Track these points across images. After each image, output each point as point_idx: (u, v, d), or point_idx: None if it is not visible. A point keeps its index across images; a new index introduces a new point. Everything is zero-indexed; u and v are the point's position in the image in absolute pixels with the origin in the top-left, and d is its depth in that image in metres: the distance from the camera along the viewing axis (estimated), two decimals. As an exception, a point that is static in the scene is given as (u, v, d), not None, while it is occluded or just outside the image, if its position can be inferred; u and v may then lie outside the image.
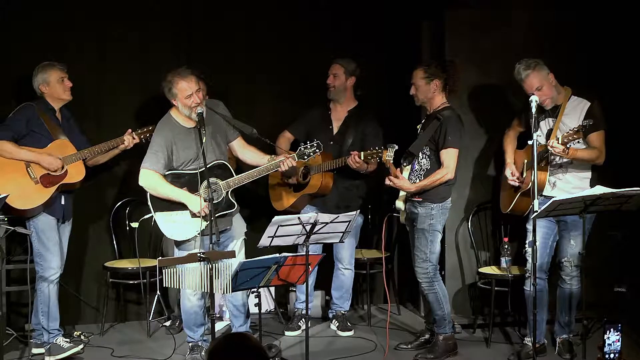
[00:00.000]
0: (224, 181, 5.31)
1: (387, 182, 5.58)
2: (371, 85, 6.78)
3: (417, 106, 5.84)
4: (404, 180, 5.50)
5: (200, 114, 5.24)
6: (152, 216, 5.45)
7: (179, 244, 5.42)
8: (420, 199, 5.55)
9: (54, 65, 5.65)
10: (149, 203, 5.39)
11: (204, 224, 5.25)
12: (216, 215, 5.17)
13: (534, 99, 5.08)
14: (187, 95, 5.28)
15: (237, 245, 5.51)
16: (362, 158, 5.80)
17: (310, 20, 6.81)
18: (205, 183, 5.24)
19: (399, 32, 6.86)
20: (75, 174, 5.62)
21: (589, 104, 5.39)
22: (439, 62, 5.72)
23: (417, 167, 5.58)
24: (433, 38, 6.60)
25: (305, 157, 5.39)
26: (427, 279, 5.59)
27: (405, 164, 5.56)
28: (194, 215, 5.30)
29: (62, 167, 5.57)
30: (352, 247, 6.27)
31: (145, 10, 6.48)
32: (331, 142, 6.21)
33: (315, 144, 5.40)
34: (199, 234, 5.31)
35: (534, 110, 5.05)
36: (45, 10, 6.21)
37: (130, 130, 5.78)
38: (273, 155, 5.54)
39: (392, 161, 5.52)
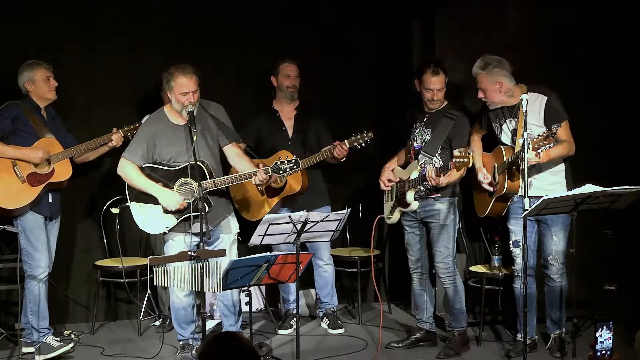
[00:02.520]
0: (197, 182, 5.18)
1: (386, 183, 5.65)
2: (362, 84, 6.79)
3: (409, 104, 5.83)
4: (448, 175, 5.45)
5: (190, 112, 5.24)
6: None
7: (163, 236, 5.45)
8: (439, 195, 5.57)
9: (40, 63, 5.63)
10: (126, 192, 5.44)
11: (175, 221, 5.32)
12: (188, 215, 5.23)
13: (524, 98, 5.06)
14: (183, 92, 5.27)
15: (227, 243, 5.47)
16: (348, 146, 5.81)
17: (300, 21, 6.80)
18: (180, 181, 5.31)
19: (389, 31, 6.87)
20: (62, 172, 5.60)
21: (545, 98, 5.37)
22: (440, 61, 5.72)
23: (428, 167, 5.50)
24: (423, 37, 6.60)
25: (281, 172, 5.24)
26: (449, 274, 5.64)
27: (422, 166, 5.53)
28: (166, 210, 5.32)
29: (50, 164, 5.55)
30: (328, 243, 6.18)
31: (135, 10, 6.46)
32: (290, 143, 6.17)
33: (293, 161, 5.23)
34: (168, 230, 5.35)
35: (524, 109, 5.05)
36: (34, 10, 6.19)
37: (116, 128, 5.77)
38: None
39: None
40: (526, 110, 5.06)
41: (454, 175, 5.46)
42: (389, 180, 5.76)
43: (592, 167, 6.00)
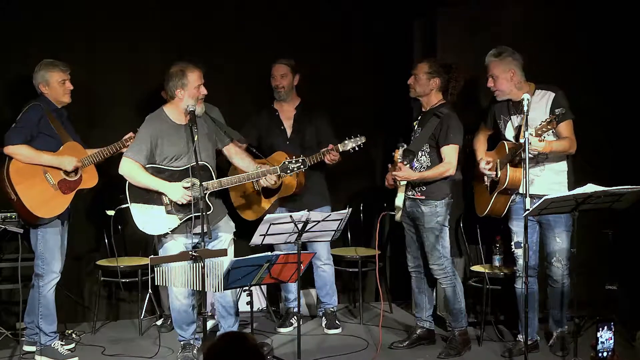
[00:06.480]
0: (203, 183, 5.17)
1: (390, 180, 5.60)
2: (363, 84, 6.78)
3: (411, 105, 5.82)
4: (406, 169, 5.46)
5: (192, 111, 5.23)
6: (128, 206, 5.36)
7: (160, 237, 5.38)
8: (424, 197, 5.55)
9: (57, 65, 5.45)
10: (126, 193, 5.33)
11: (177, 222, 5.28)
12: (191, 215, 5.20)
13: (526, 97, 5.07)
14: (197, 85, 5.28)
15: (226, 243, 5.46)
16: (341, 150, 5.77)
17: (300, 20, 6.80)
18: (185, 181, 5.28)
19: (390, 31, 6.87)
20: (89, 178, 5.49)
21: (553, 94, 5.38)
22: (444, 63, 5.70)
23: (416, 164, 5.55)
24: (424, 37, 6.60)
25: (289, 171, 5.28)
26: (445, 274, 5.62)
27: (405, 163, 5.49)
28: (168, 211, 5.29)
29: (77, 171, 5.44)
30: (327, 243, 6.18)
31: (135, 10, 6.45)
32: (288, 143, 6.17)
33: (300, 160, 5.29)
34: (170, 231, 5.30)
35: (526, 108, 5.06)
36: (34, 10, 6.18)
37: (132, 133, 5.62)
38: (259, 165, 5.47)
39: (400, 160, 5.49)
40: (527, 110, 5.07)
41: (426, 173, 5.46)
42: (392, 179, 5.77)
43: (593, 166, 6.00)
